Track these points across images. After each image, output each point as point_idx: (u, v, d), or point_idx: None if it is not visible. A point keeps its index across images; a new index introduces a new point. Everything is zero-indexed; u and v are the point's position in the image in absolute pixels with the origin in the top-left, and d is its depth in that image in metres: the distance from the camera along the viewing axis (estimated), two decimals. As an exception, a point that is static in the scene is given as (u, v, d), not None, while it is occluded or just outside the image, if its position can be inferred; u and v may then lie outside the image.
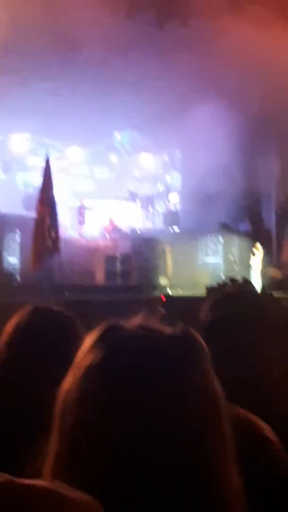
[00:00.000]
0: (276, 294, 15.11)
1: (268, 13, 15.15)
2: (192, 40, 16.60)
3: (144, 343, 1.20)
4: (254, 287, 1.89)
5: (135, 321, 1.25)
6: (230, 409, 1.36)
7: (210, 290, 2.06)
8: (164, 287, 16.88)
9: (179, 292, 16.52)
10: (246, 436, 1.41)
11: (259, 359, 1.90)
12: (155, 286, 16.96)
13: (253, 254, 17.70)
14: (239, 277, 16.80)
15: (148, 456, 1.11)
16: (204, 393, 1.20)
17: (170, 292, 16.08)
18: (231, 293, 2.01)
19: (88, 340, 1.24)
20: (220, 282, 2.14)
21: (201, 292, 15.83)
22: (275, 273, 17.76)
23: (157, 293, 15.57)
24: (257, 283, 17.22)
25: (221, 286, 2.05)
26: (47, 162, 15.97)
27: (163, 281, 17.48)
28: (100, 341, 1.22)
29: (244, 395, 1.81)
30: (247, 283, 1.87)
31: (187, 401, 1.17)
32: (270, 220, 20.75)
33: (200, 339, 1.29)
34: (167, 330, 1.26)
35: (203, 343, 1.29)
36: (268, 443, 1.56)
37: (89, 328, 1.33)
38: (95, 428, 1.13)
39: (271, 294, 2.02)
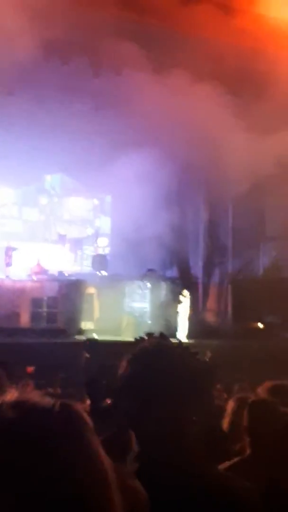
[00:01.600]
0: (202, 341, 15.22)
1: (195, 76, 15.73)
2: (125, 88, 16.92)
3: (18, 420, 1.20)
4: (170, 342, 1.93)
5: (13, 395, 1.24)
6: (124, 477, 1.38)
7: (128, 344, 2.09)
8: (90, 331, 16.74)
9: (105, 337, 16.43)
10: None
11: (176, 415, 1.93)
12: (81, 330, 16.80)
13: (180, 301, 17.82)
14: (164, 324, 16.92)
15: None
16: (84, 470, 1.19)
17: (96, 337, 15.96)
18: (148, 348, 2.04)
19: None
20: (137, 337, 2.16)
21: (127, 337, 15.78)
22: (208, 321, 17.94)
23: (82, 337, 15.42)
24: (184, 330, 17.33)
25: (138, 341, 2.06)
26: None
27: (89, 325, 17.34)
28: None
29: (163, 452, 1.82)
30: (164, 337, 1.89)
31: (65, 479, 1.16)
32: (197, 266, 21.03)
33: (81, 412, 1.28)
34: (46, 403, 1.25)
35: (84, 416, 1.28)
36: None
37: (12, 373, 1.31)
38: None
39: (187, 348, 2.05)
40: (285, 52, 15.55)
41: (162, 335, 2.12)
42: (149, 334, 2.14)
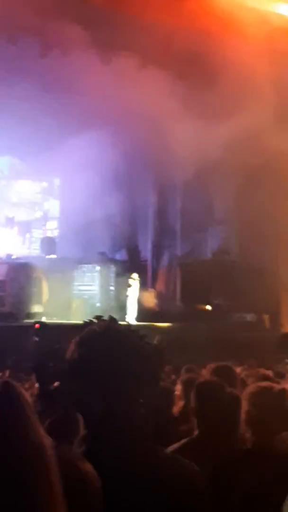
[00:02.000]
0: (151, 323, 15.32)
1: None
2: (72, 69, 16.78)
3: None
4: (119, 325, 1.94)
5: None
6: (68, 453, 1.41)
7: (77, 327, 2.10)
8: (38, 315, 16.67)
9: (54, 320, 16.38)
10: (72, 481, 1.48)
11: (123, 397, 1.96)
12: (30, 314, 16.71)
13: (130, 284, 17.89)
14: (114, 307, 16.98)
15: None
16: (24, 445, 1.22)
17: (44, 320, 15.90)
18: (96, 331, 2.05)
19: None
20: (87, 320, 2.16)
21: (76, 320, 15.77)
22: (149, 304, 18.04)
23: (31, 320, 15.34)
24: (133, 313, 17.42)
25: (87, 324, 2.07)
26: None
27: (38, 308, 17.26)
28: None
29: (109, 430, 1.86)
30: (113, 320, 1.91)
31: (11, 458, 1.20)
32: (146, 249, 21.13)
33: (21, 390, 1.32)
34: None
35: (24, 394, 1.32)
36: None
37: None
38: None
39: (135, 331, 2.08)
40: (234, 36, 15.62)
41: (111, 318, 2.14)
42: (98, 317, 2.15)
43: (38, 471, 1.22)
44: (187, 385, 4.78)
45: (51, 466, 1.25)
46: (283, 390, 3.32)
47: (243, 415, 3.27)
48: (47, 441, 1.28)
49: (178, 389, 5.19)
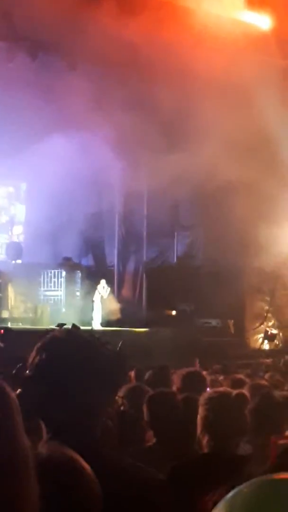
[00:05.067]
0: (116, 329, 15.33)
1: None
2: (40, 74, 16.78)
3: None
4: (80, 332, 1.96)
5: None
6: (54, 448, 1.44)
7: (43, 333, 2.11)
8: (4, 320, 16.58)
9: (20, 326, 16.31)
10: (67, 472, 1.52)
11: (84, 404, 1.98)
12: (-5, 319, 16.61)
13: (96, 289, 17.89)
14: (80, 312, 16.95)
15: None
16: (14, 447, 1.27)
17: (10, 326, 15.83)
18: (57, 337, 2.07)
19: None
20: (48, 327, 2.20)
21: (42, 326, 15.73)
22: (115, 310, 18.06)
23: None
24: (98, 318, 17.42)
25: (50, 330, 2.09)
26: None
27: (3, 314, 17.16)
28: None
29: (71, 436, 1.88)
30: (75, 327, 1.93)
31: None
32: (112, 254, 21.16)
33: (10, 390, 1.35)
34: None
35: (13, 395, 1.36)
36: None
37: None
38: None
39: (97, 338, 2.12)
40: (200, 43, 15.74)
41: (73, 325, 2.16)
42: (60, 325, 2.17)
43: (20, 471, 1.25)
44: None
45: (31, 468, 1.29)
46: (241, 394, 3.39)
47: (199, 421, 3.32)
48: (28, 443, 1.32)
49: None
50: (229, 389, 3.49)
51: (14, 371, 5.24)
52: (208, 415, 3.26)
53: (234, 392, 3.42)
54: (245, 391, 3.98)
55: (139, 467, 2.04)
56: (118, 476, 1.89)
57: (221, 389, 3.51)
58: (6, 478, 1.23)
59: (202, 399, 3.38)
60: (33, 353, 2.06)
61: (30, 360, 2.05)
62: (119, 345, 2.24)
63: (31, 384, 2.01)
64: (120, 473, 1.92)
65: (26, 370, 2.07)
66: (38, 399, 1.98)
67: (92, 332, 2.21)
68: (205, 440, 3.25)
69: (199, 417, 3.32)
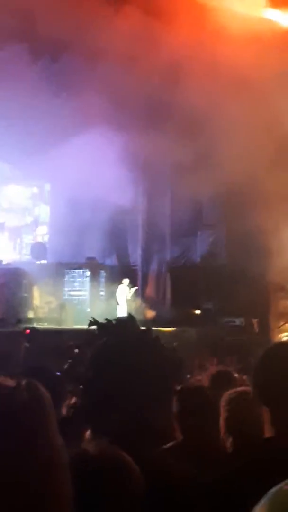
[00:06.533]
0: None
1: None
2: (63, 74, 16.88)
3: None
4: (138, 328, 1.84)
5: None
6: (107, 448, 1.47)
7: (67, 332, 2.04)
8: (29, 320, 16.71)
9: (45, 325, 16.43)
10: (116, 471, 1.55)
11: (146, 400, 1.96)
12: (20, 319, 16.74)
13: (120, 289, 17.95)
14: (104, 312, 17.01)
15: None
16: (48, 445, 1.30)
17: (35, 325, 15.94)
18: (117, 336, 2.03)
19: None
20: (107, 319, 2.03)
21: (66, 325, 15.83)
22: (147, 313, 18.10)
23: (22, 326, 15.38)
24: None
25: (107, 325, 2.00)
26: None
27: (28, 314, 17.30)
28: None
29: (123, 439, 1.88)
30: (131, 318, 1.77)
31: (30, 453, 1.26)
32: (136, 254, 21.18)
33: (43, 391, 1.36)
34: (10, 382, 1.33)
35: (47, 395, 1.36)
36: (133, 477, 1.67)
37: None
38: None
39: (157, 336, 2.06)
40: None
41: (129, 315, 2.09)
42: (94, 322, 2.11)
43: (58, 468, 1.29)
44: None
45: (65, 467, 1.31)
46: None
47: (222, 422, 3.28)
48: (62, 443, 1.34)
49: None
50: (248, 388, 3.47)
51: (65, 367, 5.20)
52: (230, 416, 3.24)
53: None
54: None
55: (170, 462, 2.07)
56: (147, 468, 1.90)
57: (240, 388, 3.47)
58: (39, 478, 1.25)
59: (223, 400, 3.35)
60: (92, 353, 2.02)
61: (89, 361, 2.01)
62: (174, 345, 2.21)
63: (92, 385, 1.99)
64: (149, 465, 1.93)
65: (79, 367, 2.02)
66: (100, 399, 1.95)
67: (149, 330, 2.16)
68: (229, 441, 3.23)
69: (221, 418, 3.30)
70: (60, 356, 8.42)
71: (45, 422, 1.31)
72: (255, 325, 18.58)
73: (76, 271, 18.83)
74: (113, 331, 2.05)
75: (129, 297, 17.93)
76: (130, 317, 2.12)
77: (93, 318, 2.16)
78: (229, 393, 3.41)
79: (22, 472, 1.24)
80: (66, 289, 18.63)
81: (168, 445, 3.69)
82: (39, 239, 21.26)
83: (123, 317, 2.08)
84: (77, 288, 18.71)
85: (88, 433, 2.00)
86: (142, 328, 2.12)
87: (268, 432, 2.33)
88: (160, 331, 16.27)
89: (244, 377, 7.74)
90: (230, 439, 3.24)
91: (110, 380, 1.94)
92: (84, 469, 1.47)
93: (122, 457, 1.62)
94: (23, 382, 1.34)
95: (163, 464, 2.02)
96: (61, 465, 1.31)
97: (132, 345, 2.00)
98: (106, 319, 2.11)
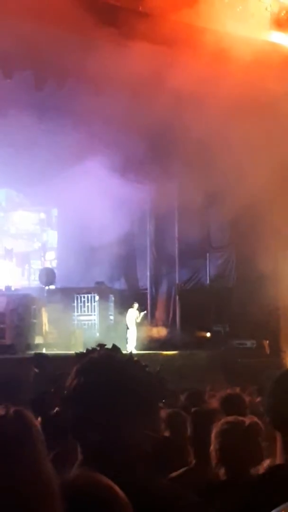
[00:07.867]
0: (151, 352, 15.27)
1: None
2: (68, 101, 16.96)
3: None
4: (121, 353, 1.91)
5: None
6: (87, 475, 1.42)
7: (78, 355, 2.07)
8: (39, 346, 16.64)
9: (54, 351, 16.34)
10: (101, 501, 1.49)
11: (120, 426, 1.94)
12: (30, 345, 16.68)
13: (130, 313, 17.89)
14: (114, 336, 16.94)
15: None
16: (36, 475, 1.26)
17: (44, 351, 15.87)
18: (97, 359, 2.05)
19: None
20: (88, 347, 2.14)
21: (76, 350, 15.71)
22: (157, 332, 18.04)
23: (31, 352, 15.31)
24: (133, 342, 17.39)
25: (88, 352, 2.06)
26: None
27: (38, 340, 17.23)
28: None
29: (105, 462, 1.84)
30: (115, 349, 1.89)
31: (18, 484, 1.23)
32: (145, 277, 21.16)
33: (33, 419, 1.34)
34: None
35: (35, 423, 1.35)
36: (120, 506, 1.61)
37: None
38: None
39: (137, 361, 2.07)
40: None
41: (114, 346, 2.13)
42: (101, 345, 2.13)
43: (44, 500, 1.25)
44: (185, 413, 4.78)
45: (57, 496, 1.28)
46: (254, 423, 3.29)
47: (213, 452, 3.23)
48: (52, 470, 1.32)
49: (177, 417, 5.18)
50: (241, 418, 3.38)
51: (53, 390, 5.25)
52: (222, 448, 3.19)
53: (247, 421, 3.30)
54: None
55: (176, 491, 2.01)
56: (153, 498, 1.87)
57: (230, 418, 3.38)
58: (30, 506, 1.22)
59: (214, 431, 3.29)
60: (72, 374, 2.04)
61: (69, 381, 2.04)
62: (157, 369, 2.21)
63: (69, 404, 2.00)
64: (155, 495, 1.90)
65: (64, 390, 2.06)
66: (75, 419, 1.96)
67: (131, 355, 2.17)
68: (221, 472, 3.17)
69: (212, 448, 3.25)
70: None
71: (33, 451, 1.27)
72: (266, 347, 18.45)
73: (85, 295, 18.80)
74: (92, 358, 2.07)
75: (138, 321, 17.86)
76: (114, 346, 2.12)
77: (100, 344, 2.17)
78: (221, 423, 3.35)
79: (8, 502, 1.20)
80: (75, 314, 18.60)
81: (181, 470, 3.61)
82: (48, 265, 21.27)
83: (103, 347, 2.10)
84: (86, 313, 18.68)
85: (79, 458, 1.96)
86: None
87: (279, 457, 2.27)
88: (169, 354, 16.18)
89: (258, 399, 7.64)
90: (223, 470, 3.18)
91: (86, 402, 1.95)
92: (70, 500, 1.41)
93: (107, 489, 1.57)
94: (11, 410, 1.31)
95: (166, 496, 1.96)
96: (49, 495, 1.26)
97: (109, 369, 2.02)
98: (92, 347, 2.13)
